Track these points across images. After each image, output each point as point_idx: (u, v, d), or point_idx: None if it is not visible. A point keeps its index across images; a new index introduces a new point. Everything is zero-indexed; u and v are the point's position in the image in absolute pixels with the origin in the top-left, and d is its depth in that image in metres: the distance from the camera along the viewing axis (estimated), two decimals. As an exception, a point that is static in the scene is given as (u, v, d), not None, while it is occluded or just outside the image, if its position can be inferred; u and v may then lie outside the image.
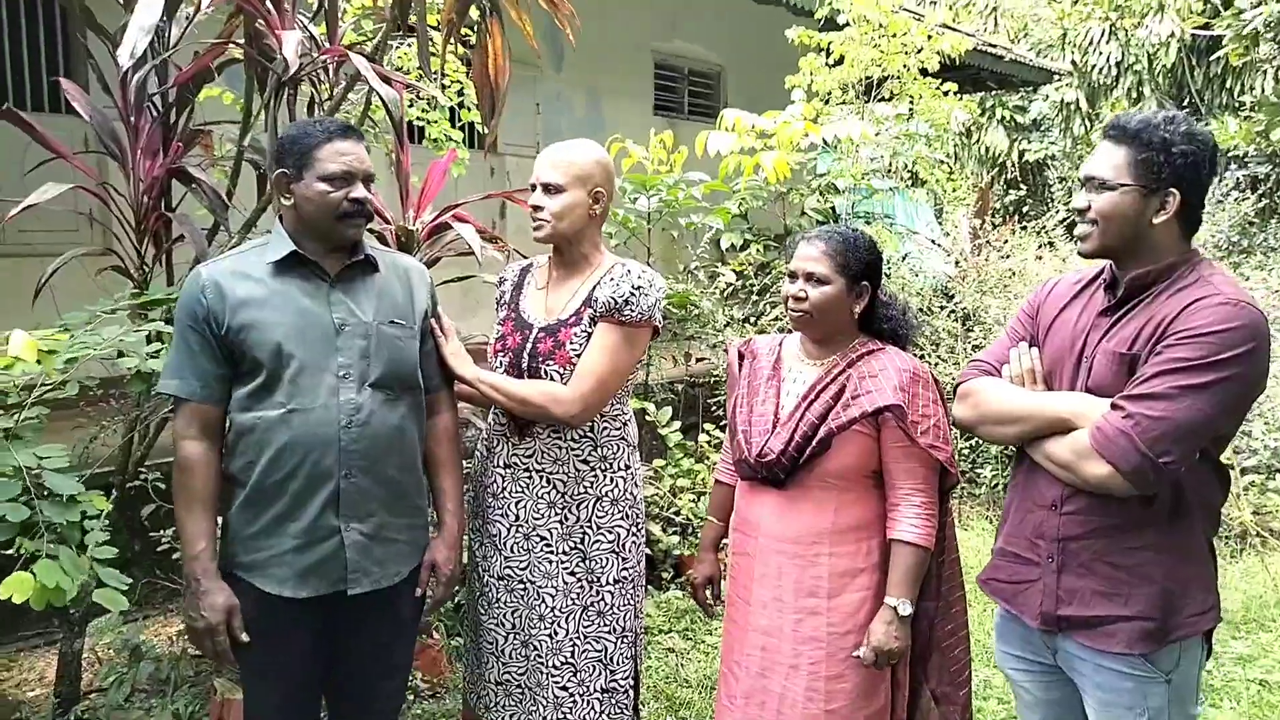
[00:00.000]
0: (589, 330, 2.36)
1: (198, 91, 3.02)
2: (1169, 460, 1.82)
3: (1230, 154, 10.45)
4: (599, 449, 2.42)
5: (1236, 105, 11.96)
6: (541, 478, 2.40)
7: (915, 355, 2.39)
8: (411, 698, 3.44)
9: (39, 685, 3.65)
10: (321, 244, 2.19)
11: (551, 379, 2.33)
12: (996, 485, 5.90)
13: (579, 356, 2.33)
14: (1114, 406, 1.88)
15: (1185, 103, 13.74)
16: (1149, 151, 1.89)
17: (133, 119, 2.93)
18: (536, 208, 2.39)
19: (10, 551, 2.14)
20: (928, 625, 2.30)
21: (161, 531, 3.40)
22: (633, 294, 2.35)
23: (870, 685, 2.27)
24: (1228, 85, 13.06)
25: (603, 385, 2.34)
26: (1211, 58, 12.70)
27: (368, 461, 2.18)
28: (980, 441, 5.96)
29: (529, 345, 2.39)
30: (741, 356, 2.50)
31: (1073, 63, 14.12)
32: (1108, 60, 13.96)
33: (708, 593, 2.64)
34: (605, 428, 2.43)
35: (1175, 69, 13.70)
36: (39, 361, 2.13)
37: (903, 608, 2.20)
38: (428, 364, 2.35)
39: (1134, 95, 13.86)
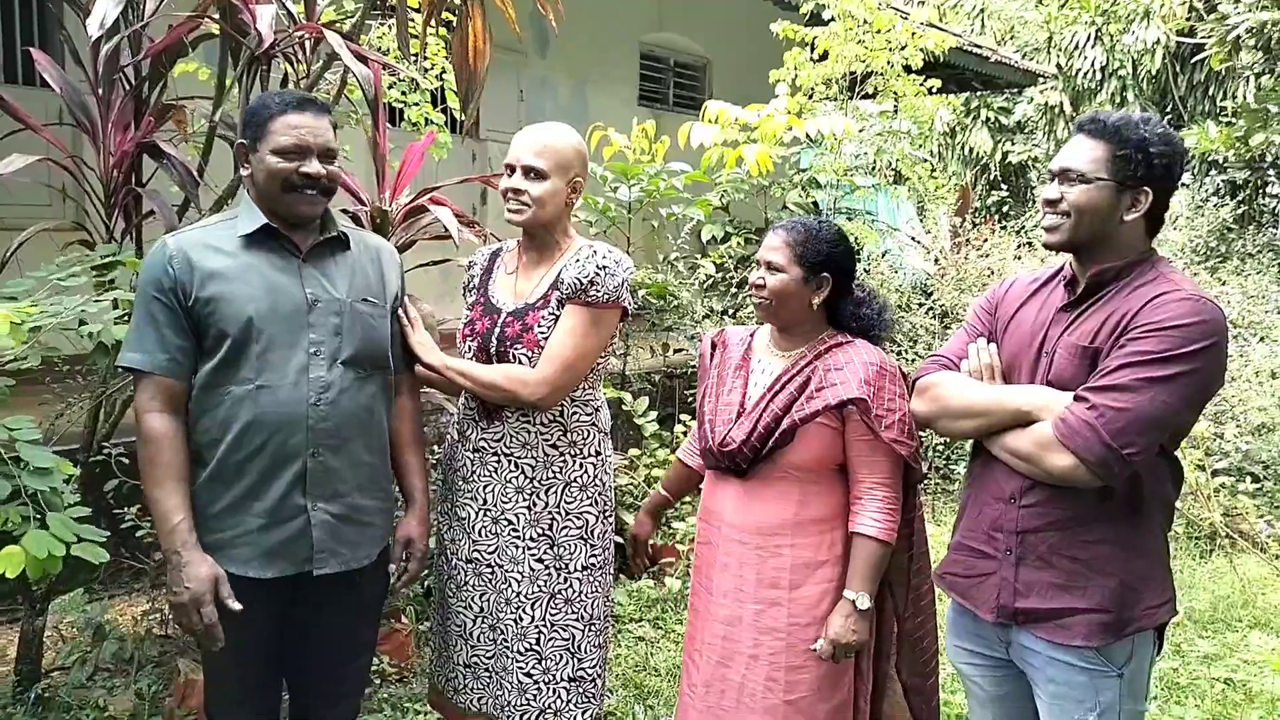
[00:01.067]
0: (556, 313, 2.34)
1: (171, 66, 2.98)
2: (1132, 451, 1.83)
3: (1210, 159, 10.52)
4: (569, 434, 2.40)
5: (1218, 112, 12.05)
6: (510, 462, 2.39)
7: (891, 351, 2.38)
8: (379, 682, 3.42)
9: (2, 662, 3.61)
10: (284, 219, 2.15)
11: (520, 363, 2.32)
12: (971, 482, 5.91)
13: (547, 340, 2.32)
14: (1078, 398, 1.88)
15: (1168, 109, 13.85)
16: (1127, 148, 1.90)
17: (103, 91, 2.89)
18: (516, 191, 2.34)
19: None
20: (897, 619, 2.31)
21: (126, 509, 3.36)
22: (598, 274, 2.33)
23: (832, 677, 2.27)
24: (1210, 92, 13.18)
25: (569, 367, 2.32)
26: (1195, 63, 12.79)
27: (337, 441, 2.15)
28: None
29: (497, 329, 2.37)
30: (714, 347, 2.49)
31: (1058, 66, 14.20)
32: (1092, 65, 14.04)
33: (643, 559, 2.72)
34: (575, 412, 2.42)
35: (1159, 75, 13.81)
36: (11, 335, 2.09)
37: (861, 601, 2.20)
38: (395, 346, 2.33)
39: (1118, 100, 13.96)
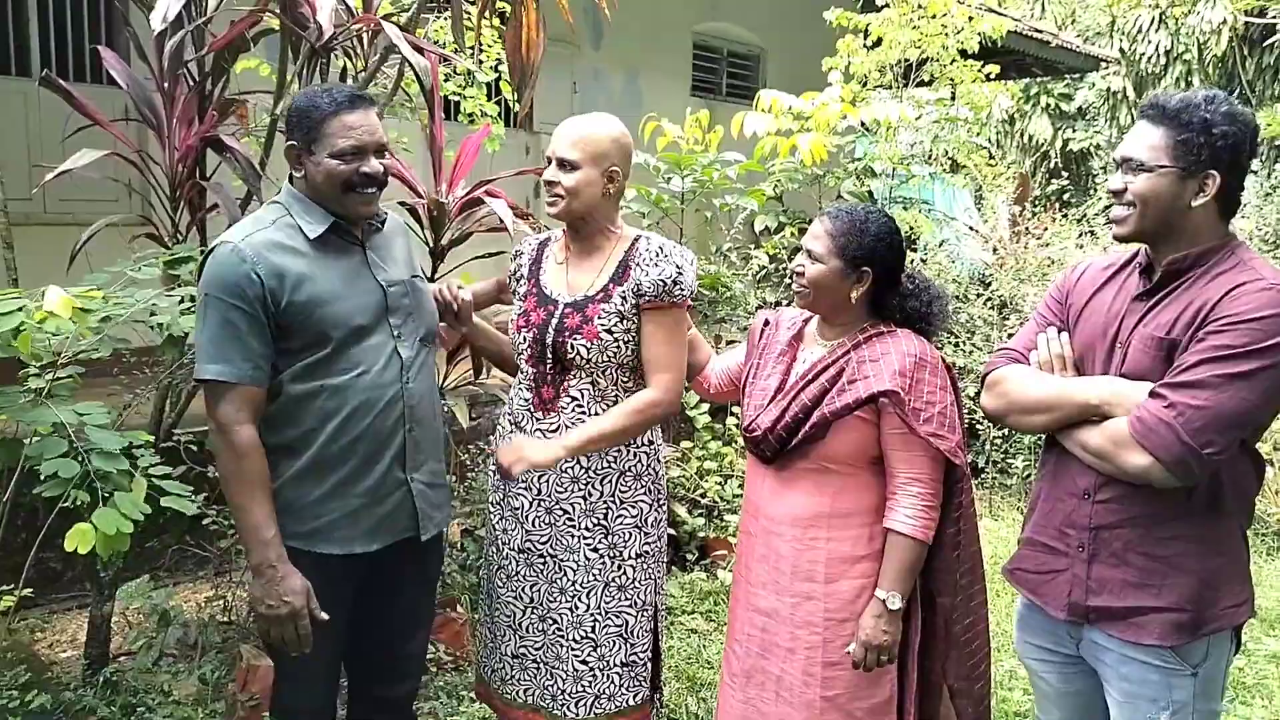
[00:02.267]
0: (620, 309, 2.35)
1: (233, 61, 3.03)
2: (1213, 451, 1.77)
3: (1275, 143, 10.22)
4: None
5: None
6: None
7: (948, 343, 2.31)
8: (434, 670, 3.46)
9: (70, 647, 3.71)
10: (340, 217, 2.18)
11: (579, 353, 2.33)
12: (1029, 475, 5.82)
13: (607, 332, 2.33)
14: (1154, 395, 1.83)
15: (1236, 93, 13.49)
16: (1188, 132, 1.84)
17: (167, 87, 2.94)
18: (550, 182, 2.35)
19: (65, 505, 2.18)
20: (945, 621, 2.22)
21: (192, 497, 3.43)
22: (679, 275, 2.36)
23: (872, 675, 2.21)
24: (1280, 76, 12.83)
25: (680, 369, 2.41)
26: (1264, 46, 12.44)
27: (423, 413, 2.26)
28: (1012, 431, 5.89)
29: (555, 320, 2.38)
30: (765, 325, 2.46)
31: (1120, 50, 13.91)
32: (1156, 48, 13.75)
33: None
34: None
35: (1226, 58, 13.46)
36: (73, 319, 2.14)
37: (892, 601, 2.14)
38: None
39: (1183, 84, 13.64)
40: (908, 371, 2.13)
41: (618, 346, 2.36)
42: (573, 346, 2.34)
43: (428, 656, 3.37)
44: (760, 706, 2.31)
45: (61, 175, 2.81)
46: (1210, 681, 1.95)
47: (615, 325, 2.35)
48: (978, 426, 6.02)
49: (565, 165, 2.33)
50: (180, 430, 3.28)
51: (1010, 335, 5.95)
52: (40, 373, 2.30)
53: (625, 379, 2.41)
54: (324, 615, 2.10)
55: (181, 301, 2.50)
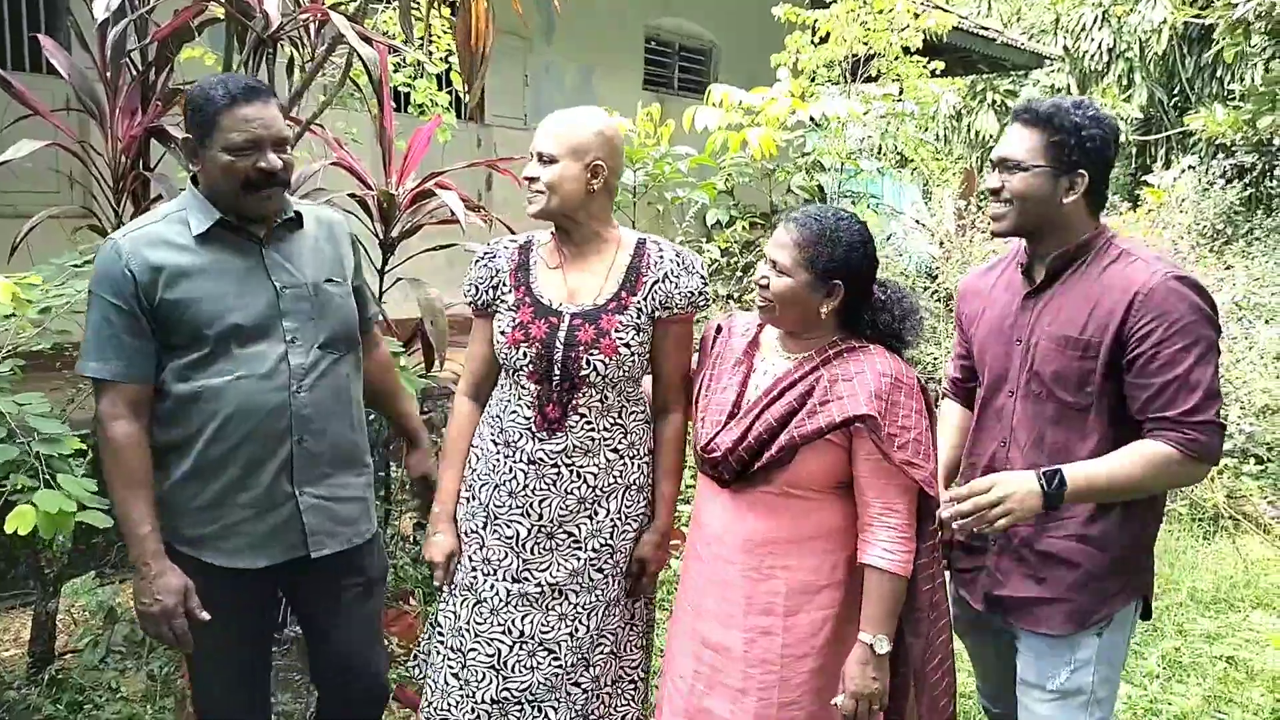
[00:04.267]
0: (636, 321, 2.21)
1: (178, 50, 3.00)
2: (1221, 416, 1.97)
3: (1217, 143, 10.51)
4: (628, 435, 2.28)
5: (1226, 94, 12.00)
6: (572, 472, 2.23)
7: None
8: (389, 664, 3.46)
9: (13, 645, 3.65)
10: (235, 215, 2.09)
11: (595, 369, 2.18)
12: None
13: (625, 346, 2.19)
14: (1171, 421, 1.93)
15: (1176, 90, 13.81)
16: (1061, 134, 1.99)
17: (110, 76, 2.90)
18: (530, 178, 2.19)
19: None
20: (917, 665, 2.04)
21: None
22: (704, 286, 2.27)
23: (828, 715, 2.04)
24: (1218, 74, 13.13)
25: (690, 379, 2.31)
26: (1202, 45, 12.73)
27: (319, 424, 2.15)
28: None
29: (562, 333, 2.19)
30: (718, 332, 2.26)
31: (1064, 48, 14.16)
32: (1099, 46, 14.01)
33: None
34: (633, 411, 2.30)
35: (1167, 57, 13.76)
36: (15, 308, 2.12)
37: (879, 645, 1.95)
38: (359, 320, 2.32)
39: (1125, 82, 13.92)
40: (883, 394, 1.95)
41: (634, 360, 2.22)
42: (589, 363, 2.17)
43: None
44: None
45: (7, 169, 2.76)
46: (1113, 647, 2.09)
47: (633, 339, 2.20)
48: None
49: (543, 159, 2.17)
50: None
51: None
52: (-22, 365, 2.27)
53: (629, 390, 2.28)
54: (205, 615, 2.04)
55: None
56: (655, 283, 2.22)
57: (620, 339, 2.18)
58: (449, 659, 2.30)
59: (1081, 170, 2.00)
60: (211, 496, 2.08)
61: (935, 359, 5.94)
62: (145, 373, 2.03)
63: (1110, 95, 13.48)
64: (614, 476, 2.25)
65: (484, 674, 2.25)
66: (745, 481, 2.05)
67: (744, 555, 2.06)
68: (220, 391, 2.04)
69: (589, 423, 2.21)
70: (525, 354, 2.19)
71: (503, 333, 2.24)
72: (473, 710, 2.26)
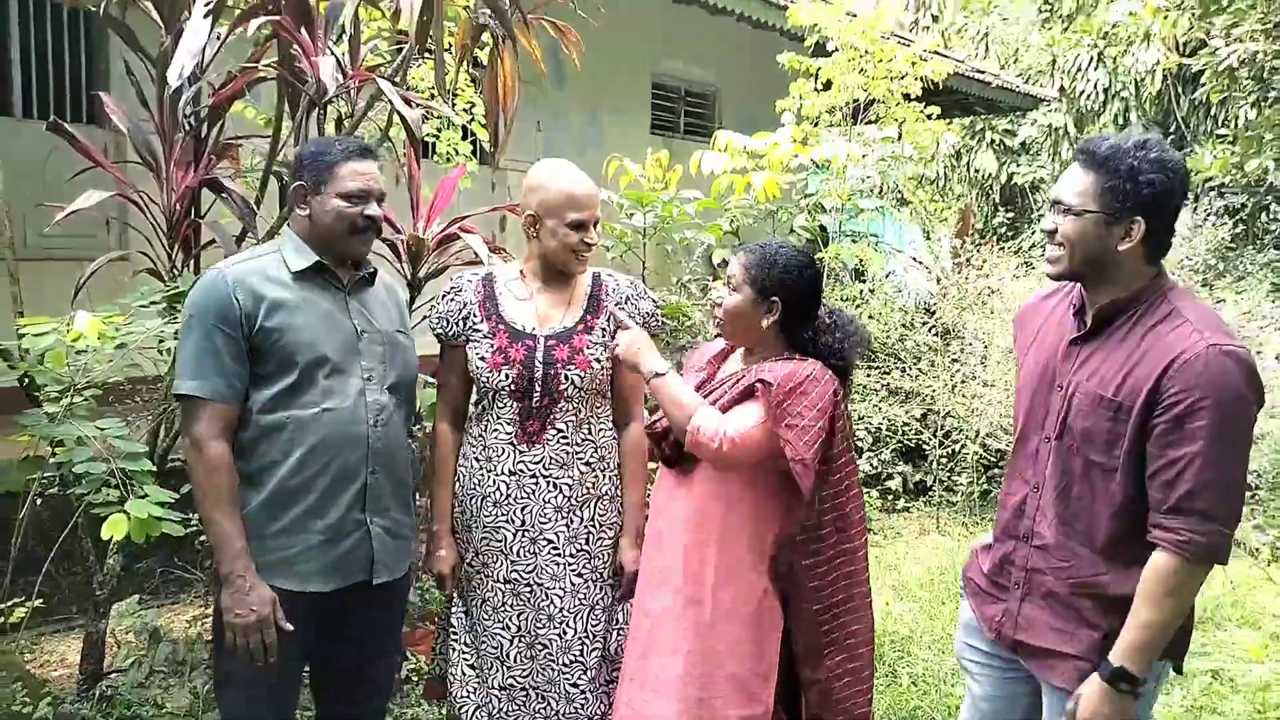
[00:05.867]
0: (602, 340, 2.52)
1: (228, 107, 3.25)
2: (1238, 518, 1.89)
3: (1207, 184, 10.76)
4: (598, 449, 2.55)
5: (1220, 132, 12.26)
6: (548, 483, 2.50)
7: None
8: (415, 679, 3.63)
9: (61, 666, 3.84)
10: (335, 256, 2.31)
11: (572, 382, 2.47)
12: (973, 493, 6.14)
13: (596, 361, 2.50)
14: (1174, 512, 1.85)
15: (1172, 129, 14.06)
16: (1115, 179, 1.89)
17: (167, 130, 3.15)
18: (589, 242, 2.48)
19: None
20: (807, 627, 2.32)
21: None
22: (654, 307, 2.62)
23: (750, 684, 2.29)
24: (1212, 113, 13.39)
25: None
26: (1197, 85, 13.01)
27: (388, 460, 2.34)
28: (957, 449, 6.22)
29: (540, 353, 2.47)
30: (694, 350, 2.68)
31: (1061, 88, 14.42)
32: (1095, 86, 14.26)
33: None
34: (602, 429, 2.58)
35: (1162, 96, 14.04)
36: (101, 341, 2.35)
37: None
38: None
39: (1121, 121, 14.14)
40: (796, 378, 2.23)
41: (603, 374, 2.52)
42: (566, 377, 2.46)
43: (410, 667, 3.58)
44: (638, 708, 2.36)
45: (50, 213, 3.00)
46: (1142, 703, 1.99)
47: (601, 354, 2.51)
48: (924, 446, 6.33)
49: (596, 223, 2.51)
50: (174, 456, 3.45)
51: (954, 360, 6.28)
52: (59, 396, 2.50)
53: (599, 405, 2.57)
54: (289, 626, 2.19)
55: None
56: (615, 305, 2.55)
57: (591, 354, 2.49)
58: (463, 653, 2.60)
59: (1138, 217, 1.90)
60: (288, 523, 2.23)
61: (933, 391, 6.16)
62: (239, 395, 2.20)
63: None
64: (587, 488, 2.53)
65: (492, 663, 2.55)
66: (686, 460, 2.35)
67: (683, 530, 2.35)
68: (306, 423, 2.20)
69: (564, 436, 2.50)
70: (507, 375, 2.46)
71: (482, 358, 2.49)
72: (486, 695, 2.55)
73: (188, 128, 3.18)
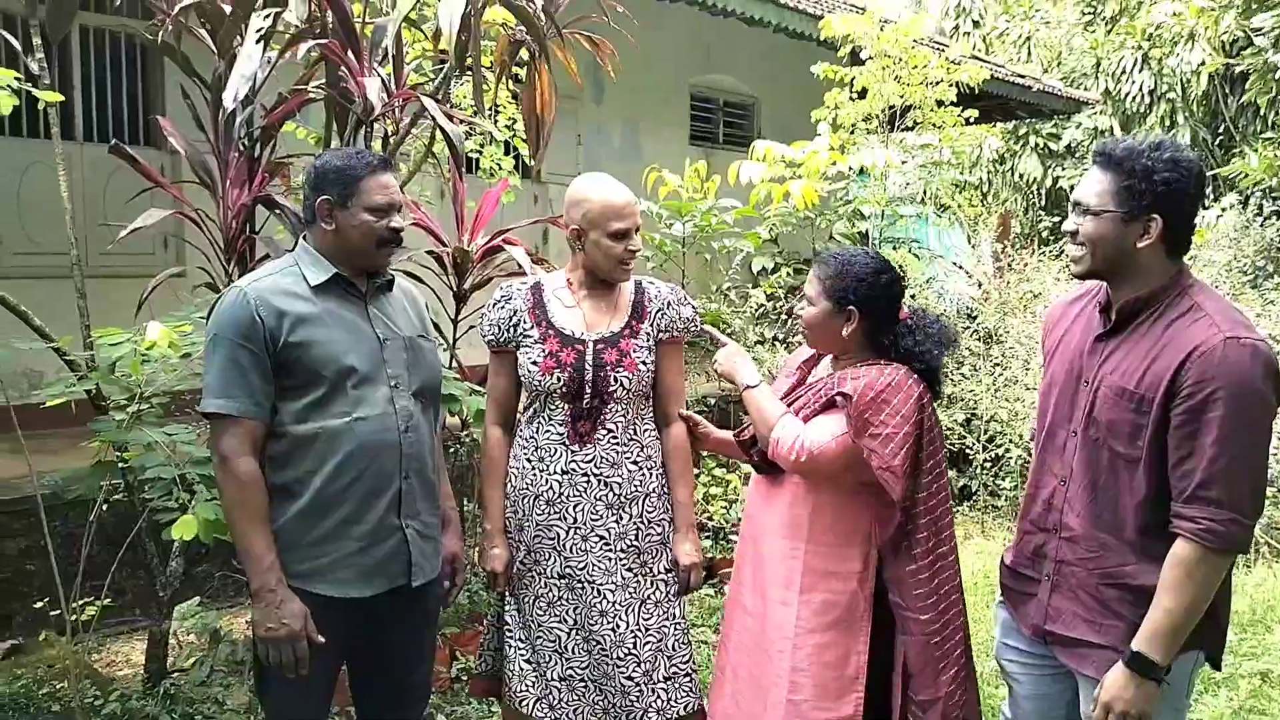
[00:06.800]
0: (647, 344, 2.61)
1: (280, 128, 3.39)
2: (1260, 509, 1.93)
3: (1257, 186, 10.60)
4: (644, 449, 2.63)
5: (1268, 135, 12.02)
6: (599, 481, 2.57)
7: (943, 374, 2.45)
8: (465, 679, 3.73)
9: (126, 665, 4.00)
10: (355, 267, 2.32)
11: (621, 384, 2.55)
12: (1017, 497, 6.12)
13: (643, 363, 2.58)
14: (1192, 501, 1.90)
15: (1220, 130, 13.84)
16: (1131, 179, 1.96)
17: (223, 150, 3.29)
18: (634, 250, 2.58)
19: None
20: (918, 640, 2.32)
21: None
22: (694, 313, 2.72)
23: (835, 689, 2.33)
24: (1261, 113, 13.15)
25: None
26: (1244, 86, 12.78)
27: (419, 464, 2.36)
28: (1001, 454, 6.21)
29: (589, 357, 2.55)
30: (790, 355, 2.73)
31: (1106, 90, 14.25)
32: (1140, 88, 14.04)
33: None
34: (647, 429, 2.66)
35: (1209, 97, 13.81)
36: (172, 349, 2.48)
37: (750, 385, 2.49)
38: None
39: (1167, 123, 13.91)
40: (876, 388, 2.26)
41: (649, 375, 2.61)
42: (616, 379, 2.55)
43: (460, 667, 3.68)
44: (740, 702, 2.46)
45: (109, 232, 3.15)
46: (1176, 687, 2.02)
47: (647, 357, 2.60)
48: (968, 451, 6.33)
49: (637, 230, 2.62)
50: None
51: (996, 365, 6.28)
52: (126, 404, 2.63)
53: (643, 407, 2.65)
54: (321, 639, 2.19)
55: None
56: (658, 311, 2.64)
57: (638, 357, 2.58)
58: (519, 649, 2.66)
59: (1154, 215, 1.96)
60: (325, 531, 2.24)
61: (976, 396, 6.16)
62: (266, 411, 2.20)
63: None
64: (635, 485, 2.60)
65: (550, 656, 2.62)
66: (776, 468, 2.42)
67: (772, 536, 2.43)
68: (338, 433, 2.22)
69: (614, 436, 2.58)
70: (559, 378, 2.54)
71: (534, 363, 2.56)
72: (545, 688, 2.61)
73: (242, 148, 3.31)
